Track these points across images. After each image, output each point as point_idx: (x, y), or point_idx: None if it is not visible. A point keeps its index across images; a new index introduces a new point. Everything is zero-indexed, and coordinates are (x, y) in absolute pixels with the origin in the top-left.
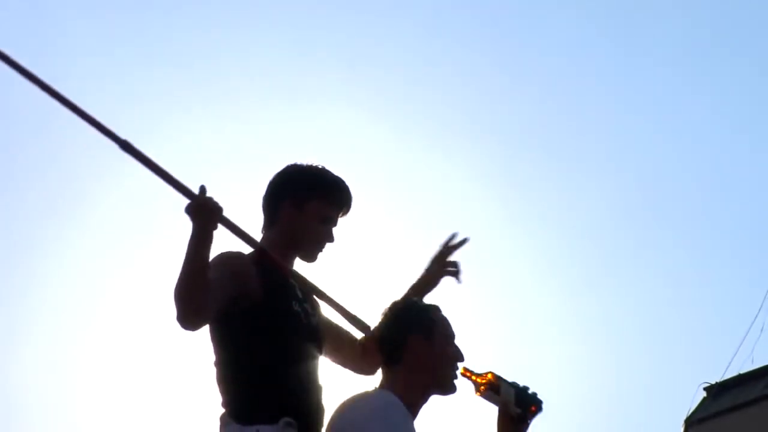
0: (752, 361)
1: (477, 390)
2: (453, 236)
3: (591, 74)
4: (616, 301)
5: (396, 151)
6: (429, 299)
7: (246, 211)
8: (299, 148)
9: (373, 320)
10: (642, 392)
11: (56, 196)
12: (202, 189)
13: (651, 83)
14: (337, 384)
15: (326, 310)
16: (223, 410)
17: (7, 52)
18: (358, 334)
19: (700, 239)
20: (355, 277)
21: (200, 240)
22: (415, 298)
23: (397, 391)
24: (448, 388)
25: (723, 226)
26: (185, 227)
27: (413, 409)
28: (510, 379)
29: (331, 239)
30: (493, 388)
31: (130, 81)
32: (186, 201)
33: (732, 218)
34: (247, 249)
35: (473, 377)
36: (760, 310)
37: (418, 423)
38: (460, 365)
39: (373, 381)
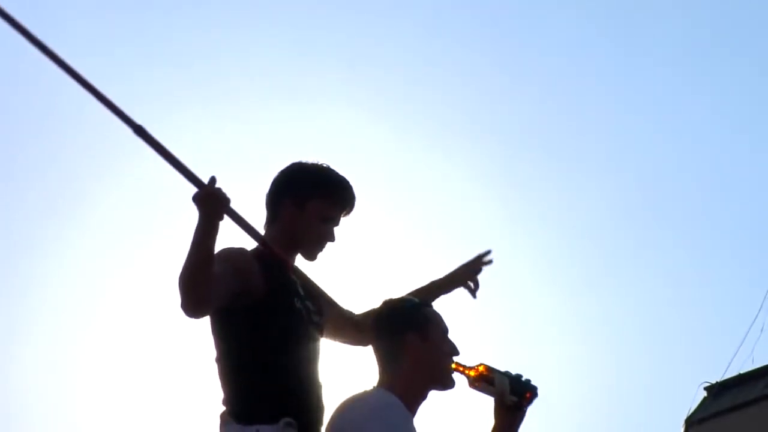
0: (752, 361)
1: (471, 383)
2: (488, 252)
3: (591, 74)
4: (616, 301)
5: (396, 151)
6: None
7: (246, 211)
8: (299, 148)
9: (367, 316)
10: (642, 392)
11: (56, 195)
12: (213, 179)
13: (651, 83)
14: (337, 383)
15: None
16: (223, 408)
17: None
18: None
19: (700, 239)
20: (355, 276)
21: (206, 230)
22: (406, 296)
23: (397, 390)
24: (447, 384)
25: (723, 226)
26: (185, 227)
27: (413, 408)
28: (502, 369)
29: (332, 238)
30: (487, 379)
31: (130, 81)
32: (194, 190)
33: (732, 218)
34: (250, 244)
35: (466, 371)
36: (760, 310)
37: (417, 420)
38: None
39: (372, 381)
